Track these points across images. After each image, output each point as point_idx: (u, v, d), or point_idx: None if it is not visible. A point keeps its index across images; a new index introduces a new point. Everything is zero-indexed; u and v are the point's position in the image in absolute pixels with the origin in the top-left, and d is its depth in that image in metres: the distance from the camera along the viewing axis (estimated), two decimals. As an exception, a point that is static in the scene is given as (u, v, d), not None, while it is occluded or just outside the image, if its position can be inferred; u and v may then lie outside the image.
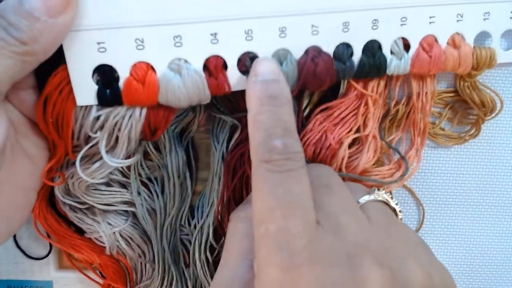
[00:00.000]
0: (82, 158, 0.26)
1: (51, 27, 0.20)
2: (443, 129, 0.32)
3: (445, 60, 0.28)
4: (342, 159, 0.27)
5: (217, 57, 0.24)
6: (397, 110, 0.29)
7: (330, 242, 0.18)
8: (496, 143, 0.33)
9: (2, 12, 0.19)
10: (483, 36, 0.29)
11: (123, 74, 0.24)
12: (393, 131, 0.30)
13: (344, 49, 0.26)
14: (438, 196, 0.34)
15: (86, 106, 0.24)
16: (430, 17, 0.27)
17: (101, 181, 0.27)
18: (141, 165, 0.30)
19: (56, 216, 0.29)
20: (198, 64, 0.24)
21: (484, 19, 0.28)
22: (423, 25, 0.27)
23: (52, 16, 0.19)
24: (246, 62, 0.25)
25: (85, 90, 0.24)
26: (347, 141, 0.27)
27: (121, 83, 0.24)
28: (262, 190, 0.19)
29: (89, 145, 0.25)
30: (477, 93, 0.30)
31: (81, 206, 0.29)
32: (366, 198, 0.23)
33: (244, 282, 0.20)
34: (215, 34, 0.24)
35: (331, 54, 0.26)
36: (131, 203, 0.30)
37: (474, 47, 0.28)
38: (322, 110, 0.28)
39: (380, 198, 0.23)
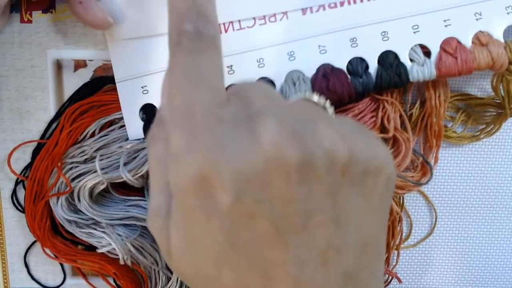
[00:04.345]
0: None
1: None
2: (456, 132, 0.31)
3: (474, 59, 0.27)
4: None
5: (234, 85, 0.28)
6: (411, 114, 0.29)
7: (235, 109, 0.18)
8: (508, 144, 0.32)
9: None
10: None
11: (162, 110, 0.29)
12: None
13: (358, 63, 0.28)
14: (449, 199, 0.33)
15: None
16: (445, 21, 0.27)
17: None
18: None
19: (62, 239, 0.31)
20: (220, 94, 0.28)
21: (508, 13, 0.27)
22: (438, 29, 0.27)
23: None
24: (262, 87, 0.28)
25: (134, 127, 0.29)
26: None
27: (160, 118, 0.29)
28: (173, 72, 0.19)
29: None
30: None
31: (87, 222, 0.30)
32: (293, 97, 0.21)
33: None
34: (231, 66, 0.28)
35: (344, 69, 0.28)
36: (135, 218, 0.30)
37: (505, 41, 0.27)
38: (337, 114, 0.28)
39: (307, 97, 0.20)
